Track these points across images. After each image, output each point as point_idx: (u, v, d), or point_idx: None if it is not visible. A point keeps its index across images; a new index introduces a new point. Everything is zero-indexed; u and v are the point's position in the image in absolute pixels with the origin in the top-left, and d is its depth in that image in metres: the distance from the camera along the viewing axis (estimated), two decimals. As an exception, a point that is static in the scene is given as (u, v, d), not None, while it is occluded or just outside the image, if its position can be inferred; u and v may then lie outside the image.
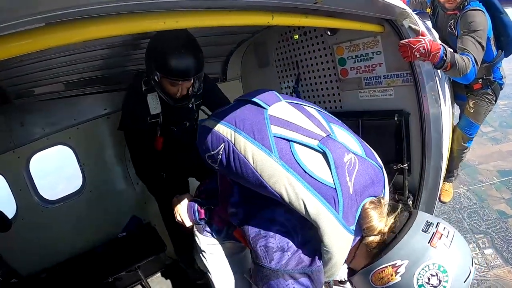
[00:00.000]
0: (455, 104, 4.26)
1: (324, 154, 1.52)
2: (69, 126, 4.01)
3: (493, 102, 4.05)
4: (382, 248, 1.46)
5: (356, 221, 1.49)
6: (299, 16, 2.07)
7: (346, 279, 1.90)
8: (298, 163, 1.50)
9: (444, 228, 1.45)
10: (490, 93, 3.98)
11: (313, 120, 1.68)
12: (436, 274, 1.33)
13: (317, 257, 1.52)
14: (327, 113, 1.84)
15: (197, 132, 1.90)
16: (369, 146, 1.77)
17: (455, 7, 3.54)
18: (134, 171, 3.20)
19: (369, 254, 1.52)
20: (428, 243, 1.38)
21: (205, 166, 1.94)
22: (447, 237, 1.41)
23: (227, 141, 1.67)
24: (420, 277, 1.34)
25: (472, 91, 4.02)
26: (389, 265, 1.39)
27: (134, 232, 4.49)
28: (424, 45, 2.62)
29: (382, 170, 1.71)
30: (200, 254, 2.23)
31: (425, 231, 1.43)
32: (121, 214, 4.52)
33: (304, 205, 1.45)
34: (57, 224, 3.98)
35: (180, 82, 2.69)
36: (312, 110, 1.79)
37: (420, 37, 2.68)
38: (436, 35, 3.80)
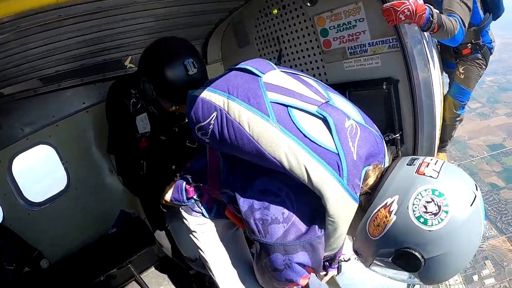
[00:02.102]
0: (444, 73, 4.10)
1: (324, 120, 1.42)
2: (48, 124, 3.78)
3: (484, 66, 3.93)
4: (370, 197, 1.36)
5: (360, 188, 1.39)
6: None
7: (350, 257, 1.84)
8: (298, 128, 1.40)
9: (432, 159, 1.33)
10: (480, 58, 3.86)
11: (310, 88, 1.59)
12: (432, 200, 1.19)
13: (316, 226, 1.42)
14: (324, 84, 1.73)
15: (185, 134, 1.87)
16: (367, 116, 1.67)
17: None
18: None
19: (363, 211, 1.39)
20: (415, 172, 1.27)
21: (188, 151, 1.87)
22: (435, 163, 1.29)
23: (220, 109, 1.54)
24: (416, 208, 1.20)
25: (462, 57, 3.90)
26: (380, 208, 1.28)
27: (124, 227, 4.30)
28: (409, 6, 2.45)
29: (382, 139, 1.63)
30: (191, 236, 2.10)
31: (411, 164, 1.33)
32: (109, 210, 4.32)
33: (307, 172, 1.35)
34: (45, 226, 3.79)
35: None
36: (308, 79, 1.69)
37: None
38: None
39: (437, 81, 3.06)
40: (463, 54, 3.85)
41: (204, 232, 2.05)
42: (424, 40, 2.77)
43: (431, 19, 2.58)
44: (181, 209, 2.08)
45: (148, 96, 2.33)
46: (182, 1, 3.06)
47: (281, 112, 1.44)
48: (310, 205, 1.44)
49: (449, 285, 32.82)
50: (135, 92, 2.55)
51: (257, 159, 1.48)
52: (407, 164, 1.33)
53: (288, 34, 3.57)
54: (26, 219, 3.67)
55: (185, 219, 2.06)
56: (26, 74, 3.21)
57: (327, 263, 2.43)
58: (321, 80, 3.41)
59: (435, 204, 1.17)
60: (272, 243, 1.44)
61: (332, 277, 2.44)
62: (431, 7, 2.60)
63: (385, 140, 2.88)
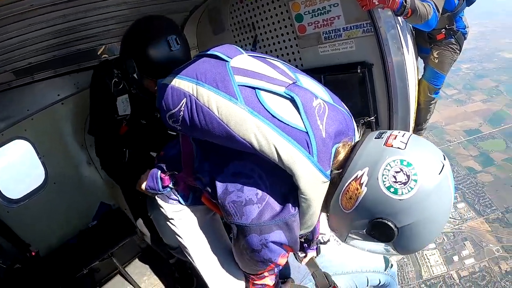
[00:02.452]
0: (419, 58, 4.14)
1: (292, 100, 1.42)
2: (23, 118, 3.65)
3: (458, 51, 3.97)
4: (341, 172, 1.36)
5: (331, 165, 1.40)
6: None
7: (329, 238, 1.98)
8: (266, 109, 1.39)
9: (399, 131, 1.34)
10: (454, 43, 3.91)
11: (278, 70, 1.57)
12: (401, 170, 1.20)
13: (290, 205, 1.43)
14: (292, 66, 1.70)
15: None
16: (336, 96, 1.65)
17: None
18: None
19: (335, 186, 1.38)
20: (383, 145, 1.28)
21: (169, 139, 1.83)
22: (403, 136, 1.30)
23: (189, 95, 1.53)
24: (385, 178, 1.21)
25: (436, 42, 3.93)
26: (351, 181, 1.29)
27: (104, 219, 4.25)
28: None
29: (352, 118, 1.61)
30: (168, 223, 2.05)
31: (379, 137, 1.33)
32: (89, 202, 4.25)
33: (277, 151, 1.35)
34: (25, 223, 3.70)
35: None
36: (276, 61, 1.66)
37: None
38: None
39: (411, 65, 3.10)
40: (437, 39, 3.89)
41: (181, 219, 2.01)
42: (397, 25, 2.79)
43: (405, 4, 2.59)
44: (157, 197, 2.03)
45: (130, 74, 2.27)
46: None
47: (249, 94, 1.43)
48: (283, 185, 1.44)
49: (431, 266, 33.71)
50: (118, 72, 2.48)
51: (227, 141, 1.47)
52: (375, 138, 1.34)
53: (263, 20, 3.53)
54: (6, 217, 3.57)
55: (162, 207, 2.02)
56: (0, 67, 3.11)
57: (306, 244, 2.44)
58: (296, 65, 3.44)
59: (404, 173, 1.18)
60: (247, 224, 1.44)
61: (312, 258, 2.46)
62: None
63: (360, 123, 2.95)
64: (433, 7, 2.90)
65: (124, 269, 3.97)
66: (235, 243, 1.63)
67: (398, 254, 1.41)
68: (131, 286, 3.89)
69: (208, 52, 1.62)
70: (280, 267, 1.68)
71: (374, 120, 3.01)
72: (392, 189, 1.19)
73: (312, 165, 1.33)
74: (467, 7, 3.86)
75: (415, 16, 2.74)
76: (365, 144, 1.33)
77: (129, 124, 2.66)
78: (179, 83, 1.57)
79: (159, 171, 1.96)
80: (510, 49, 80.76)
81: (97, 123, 2.64)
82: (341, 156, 1.40)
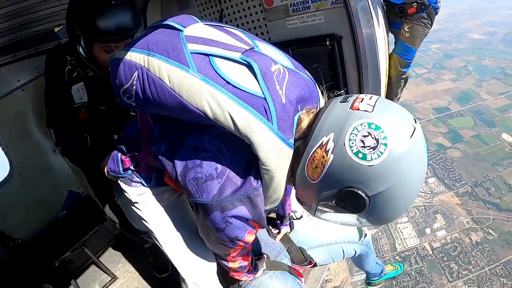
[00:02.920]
0: (390, 33, 4.04)
1: (248, 66, 1.30)
2: None
3: (429, 26, 3.91)
4: (305, 139, 1.24)
5: (294, 134, 1.29)
6: None
7: (302, 214, 1.93)
8: (220, 75, 1.28)
9: (366, 95, 1.21)
10: (426, 17, 3.82)
11: (234, 36, 1.45)
12: (369, 134, 1.08)
13: (252, 177, 1.33)
14: (250, 34, 1.56)
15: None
16: (298, 62, 1.52)
17: None
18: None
19: (299, 156, 1.26)
20: (349, 108, 1.15)
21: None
22: (370, 98, 1.17)
23: (140, 67, 1.41)
24: (352, 143, 1.09)
25: (407, 16, 3.83)
26: (316, 148, 1.17)
27: (74, 208, 4.08)
28: None
29: (315, 84, 1.49)
30: (133, 207, 1.94)
31: (344, 101, 1.20)
32: (57, 192, 4.03)
33: (232, 118, 1.24)
34: None
35: (115, 44, 2.10)
36: (233, 29, 1.53)
37: None
38: None
39: (382, 38, 3.03)
40: (409, 13, 3.80)
41: (145, 202, 1.90)
42: None
43: None
44: (120, 181, 1.91)
45: (76, 44, 2.14)
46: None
47: (202, 61, 1.31)
48: (243, 156, 1.34)
49: (404, 238, 34.81)
50: (71, 59, 2.32)
51: (181, 113, 1.37)
52: (340, 102, 1.21)
53: None
54: None
55: (125, 191, 1.90)
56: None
57: (279, 221, 2.37)
58: (264, 39, 3.30)
59: (372, 137, 1.07)
60: (209, 202, 1.36)
61: (286, 234, 2.43)
62: None
63: (330, 97, 2.89)
64: None
65: (98, 258, 3.86)
66: (200, 223, 1.55)
67: (371, 225, 1.31)
68: (106, 274, 3.79)
69: (163, 23, 1.50)
70: (248, 245, 1.61)
71: (344, 93, 2.94)
72: (360, 155, 1.08)
73: (272, 132, 1.23)
74: None
75: None
76: (330, 109, 1.20)
77: (87, 111, 2.53)
78: (130, 55, 1.44)
79: (119, 153, 1.84)
80: (478, 30, 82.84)
81: (54, 114, 2.53)
82: (304, 124, 1.29)
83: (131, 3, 2.13)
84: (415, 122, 1.15)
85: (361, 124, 1.09)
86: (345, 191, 1.13)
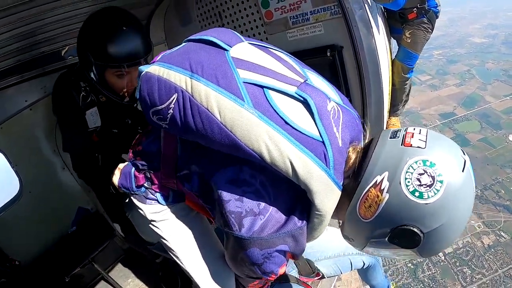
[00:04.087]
0: (392, 39, 4.04)
1: (304, 103, 1.18)
2: None
3: (430, 30, 3.89)
4: (356, 178, 1.17)
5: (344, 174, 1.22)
6: None
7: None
8: (278, 113, 1.16)
9: (414, 128, 1.16)
10: (426, 22, 3.82)
11: (285, 64, 1.30)
12: (425, 172, 1.05)
13: (296, 217, 1.24)
14: (297, 59, 1.43)
15: (140, 124, 1.74)
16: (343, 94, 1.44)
17: None
18: (70, 160, 2.75)
19: (348, 194, 1.21)
20: (401, 145, 1.11)
21: None
22: (420, 133, 1.14)
23: (181, 90, 1.24)
24: (409, 182, 1.06)
25: (408, 22, 3.83)
26: (370, 187, 1.12)
27: (83, 224, 4.10)
28: None
29: (360, 118, 1.40)
30: (150, 226, 1.76)
31: (394, 137, 1.16)
32: (67, 208, 4.06)
33: (292, 165, 1.14)
34: (3, 234, 3.51)
35: (127, 69, 2.08)
36: (281, 53, 1.39)
37: None
38: None
39: (383, 46, 3.00)
40: (409, 19, 3.79)
41: (163, 220, 1.75)
42: (366, 5, 2.68)
43: None
44: (133, 198, 1.74)
45: (89, 71, 2.16)
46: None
47: (257, 94, 1.18)
48: (289, 194, 1.25)
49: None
50: (85, 85, 2.31)
51: (230, 150, 1.24)
52: (390, 138, 1.17)
53: (230, 8, 3.40)
54: None
55: (139, 208, 1.74)
56: None
57: None
58: None
59: (428, 175, 1.05)
60: (247, 237, 1.25)
61: None
62: None
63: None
64: None
65: (108, 273, 3.86)
66: (231, 252, 1.45)
67: (420, 258, 1.25)
68: (116, 290, 3.80)
69: (202, 37, 1.35)
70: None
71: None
72: (417, 193, 1.05)
73: (330, 179, 1.16)
74: None
75: None
76: (381, 146, 1.16)
77: (99, 135, 2.52)
78: (168, 74, 1.29)
79: (133, 169, 1.68)
80: (479, 34, 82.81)
81: (69, 139, 2.50)
82: (352, 162, 1.24)
83: (141, 28, 2.13)
84: (464, 154, 1.13)
85: (416, 162, 1.07)
86: (399, 229, 1.10)
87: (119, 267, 4.12)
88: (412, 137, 1.12)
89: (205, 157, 1.38)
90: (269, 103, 1.16)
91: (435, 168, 1.05)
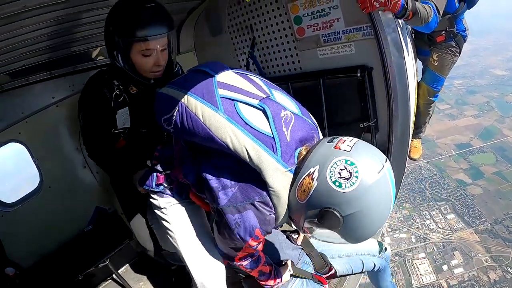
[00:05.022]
0: (418, 60, 4.09)
1: (263, 111, 1.68)
2: (17, 121, 3.57)
3: (457, 54, 3.90)
4: (298, 169, 1.59)
5: (295, 164, 1.63)
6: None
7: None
8: (241, 117, 1.66)
9: (349, 138, 1.54)
10: (454, 46, 3.83)
11: (255, 85, 1.84)
12: (345, 168, 1.40)
13: (256, 190, 1.65)
14: (269, 82, 1.97)
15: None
16: (305, 109, 1.91)
17: None
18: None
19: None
20: (333, 148, 1.49)
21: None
22: (350, 141, 1.51)
23: (181, 103, 1.79)
24: (332, 174, 1.41)
25: (436, 44, 3.86)
26: (305, 176, 1.50)
27: (100, 224, 4.18)
28: None
29: (317, 128, 1.88)
30: (157, 211, 2.26)
31: (330, 142, 1.54)
32: (85, 206, 4.15)
33: (247, 151, 1.60)
34: (20, 227, 3.55)
35: (152, 43, 2.12)
36: (255, 77, 1.93)
37: None
38: None
39: (411, 69, 3.06)
40: (437, 42, 3.82)
41: (171, 207, 2.21)
42: (398, 28, 2.73)
43: (406, 6, 2.57)
44: (152, 194, 2.23)
45: (116, 52, 2.18)
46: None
47: (228, 105, 1.70)
48: (250, 175, 1.64)
49: (420, 274, 33.72)
50: (118, 84, 2.35)
51: (209, 142, 1.74)
52: (327, 142, 1.55)
53: (261, 22, 3.46)
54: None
55: (154, 199, 2.22)
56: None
57: None
58: (295, 69, 3.47)
59: (347, 171, 1.39)
60: (224, 205, 1.69)
61: (305, 237, 2.70)
62: None
63: (359, 128, 3.06)
64: (433, 9, 2.85)
65: (120, 274, 3.87)
66: (218, 227, 1.88)
67: (347, 242, 1.60)
68: (128, 292, 3.83)
69: (200, 69, 1.91)
70: (255, 248, 1.88)
71: (374, 124, 2.96)
72: (337, 183, 1.38)
73: (275, 160, 1.57)
74: (468, 10, 3.80)
75: (416, 18, 2.70)
76: (318, 147, 1.56)
77: (127, 138, 2.58)
78: (173, 93, 1.85)
79: (155, 172, 2.18)
80: (501, 66, 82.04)
81: (94, 139, 2.51)
82: (302, 156, 1.63)
83: (163, 8, 2.18)
84: (386, 161, 1.47)
85: (340, 160, 1.42)
86: (325, 211, 1.43)
87: (132, 268, 4.17)
88: (343, 143, 1.48)
89: (200, 154, 1.88)
90: (236, 111, 1.67)
91: (354, 166, 1.39)
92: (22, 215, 3.53)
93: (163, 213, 2.21)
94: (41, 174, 3.75)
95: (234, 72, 1.92)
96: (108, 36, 2.17)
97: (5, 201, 3.53)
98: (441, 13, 3.01)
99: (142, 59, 2.18)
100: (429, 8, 2.80)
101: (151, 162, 2.26)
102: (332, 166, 1.41)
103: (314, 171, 1.46)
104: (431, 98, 4.01)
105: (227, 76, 1.85)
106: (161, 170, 2.15)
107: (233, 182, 1.70)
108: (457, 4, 3.59)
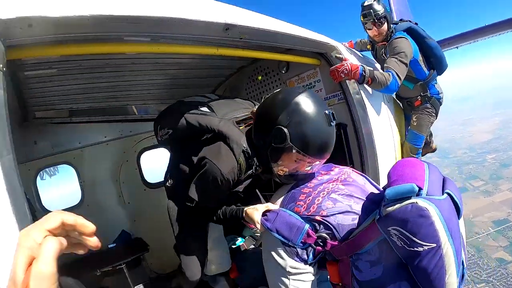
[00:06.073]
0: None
1: None
2: (74, 148, 4.39)
3: (434, 114, 4.42)
4: None
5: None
6: (237, 49, 2.73)
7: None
8: None
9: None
10: (429, 107, 4.36)
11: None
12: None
13: None
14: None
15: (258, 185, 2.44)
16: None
17: (383, 39, 4.12)
18: (126, 190, 3.75)
19: None
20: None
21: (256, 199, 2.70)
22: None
23: (438, 246, 1.35)
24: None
25: (414, 108, 4.43)
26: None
27: (123, 244, 4.65)
28: (347, 67, 3.10)
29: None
30: (283, 278, 1.82)
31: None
32: (112, 228, 4.73)
33: None
34: None
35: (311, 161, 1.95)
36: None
37: (343, 62, 3.18)
38: (378, 66, 4.32)
39: (383, 125, 3.67)
40: (415, 106, 4.40)
41: (299, 274, 1.81)
42: (363, 92, 3.36)
43: (364, 74, 3.14)
44: (282, 247, 1.80)
45: (278, 142, 1.89)
46: (190, 66, 3.67)
47: None
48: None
49: None
50: (256, 164, 2.14)
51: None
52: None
53: (268, 93, 3.97)
54: None
55: (282, 257, 1.81)
56: (69, 104, 3.87)
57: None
58: None
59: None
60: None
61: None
62: (365, 65, 3.21)
63: None
64: (393, 75, 3.40)
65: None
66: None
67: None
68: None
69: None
70: None
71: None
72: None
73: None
74: (438, 76, 4.37)
75: (375, 83, 3.24)
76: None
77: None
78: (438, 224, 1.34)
79: (308, 225, 1.75)
80: (535, 134, 78.87)
81: (207, 199, 2.24)
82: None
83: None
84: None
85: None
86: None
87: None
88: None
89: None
90: None
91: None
92: None
93: (288, 279, 1.80)
94: (83, 193, 4.46)
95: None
96: (274, 127, 1.88)
97: (49, 209, 4.21)
98: (402, 79, 3.56)
99: (290, 164, 1.98)
100: (387, 74, 3.38)
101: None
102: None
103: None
104: (414, 155, 4.41)
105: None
106: (323, 232, 1.72)
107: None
108: (426, 72, 4.19)
